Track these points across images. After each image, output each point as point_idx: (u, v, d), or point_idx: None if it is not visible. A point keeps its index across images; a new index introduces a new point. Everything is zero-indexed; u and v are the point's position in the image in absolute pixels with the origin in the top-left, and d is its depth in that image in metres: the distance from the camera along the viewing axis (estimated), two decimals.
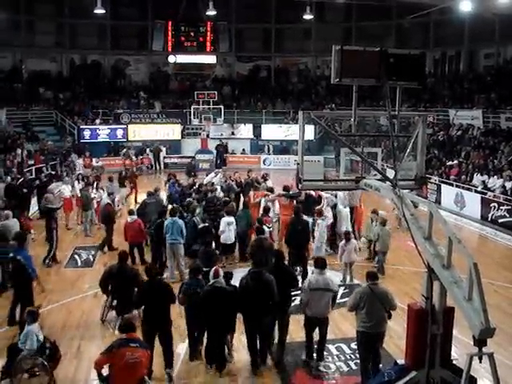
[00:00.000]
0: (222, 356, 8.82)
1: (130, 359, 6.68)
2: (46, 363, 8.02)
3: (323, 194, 14.79)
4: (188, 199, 15.68)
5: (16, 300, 10.44)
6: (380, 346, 8.48)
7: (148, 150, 32.50)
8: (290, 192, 15.11)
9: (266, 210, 14.33)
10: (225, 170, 24.71)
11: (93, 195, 17.45)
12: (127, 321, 7.65)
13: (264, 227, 13.12)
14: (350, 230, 14.46)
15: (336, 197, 15.13)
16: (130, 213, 14.13)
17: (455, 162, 24.03)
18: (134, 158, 31.02)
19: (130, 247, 13.64)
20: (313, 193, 14.73)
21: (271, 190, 16.36)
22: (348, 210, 15.16)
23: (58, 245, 14.42)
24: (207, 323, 8.70)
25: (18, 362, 8.02)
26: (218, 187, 17.37)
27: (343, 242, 13.09)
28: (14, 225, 12.77)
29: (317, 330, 9.08)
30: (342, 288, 12.14)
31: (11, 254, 10.54)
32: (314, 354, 9.15)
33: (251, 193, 16.42)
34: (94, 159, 28.03)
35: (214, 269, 8.97)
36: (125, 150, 31.67)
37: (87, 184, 18.55)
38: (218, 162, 32.01)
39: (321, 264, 9.02)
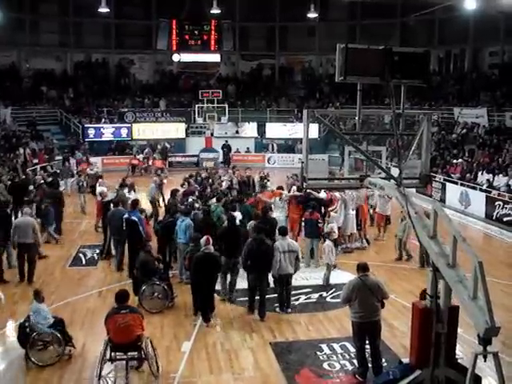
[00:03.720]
0: (212, 304, 10.58)
1: (122, 324, 8.06)
2: (59, 335, 8.94)
3: (337, 195, 14.64)
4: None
5: (131, 254, 12.44)
6: (377, 338, 8.47)
7: (157, 150, 31.86)
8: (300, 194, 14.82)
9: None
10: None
11: (128, 195, 16.55)
12: (121, 291, 8.62)
13: None
14: (356, 231, 14.34)
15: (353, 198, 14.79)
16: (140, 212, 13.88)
17: (460, 160, 23.98)
18: (140, 157, 30.92)
19: None
20: (324, 195, 14.56)
21: (282, 188, 16.24)
22: (354, 212, 14.93)
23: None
24: (200, 281, 10.32)
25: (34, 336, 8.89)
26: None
27: None
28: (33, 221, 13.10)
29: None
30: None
31: (126, 215, 12.53)
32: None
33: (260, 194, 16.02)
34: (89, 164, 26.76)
35: (205, 237, 10.51)
36: (134, 148, 31.94)
37: (122, 185, 17.69)
38: (224, 160, 32.16)
39: (283, 232, 11.16)
